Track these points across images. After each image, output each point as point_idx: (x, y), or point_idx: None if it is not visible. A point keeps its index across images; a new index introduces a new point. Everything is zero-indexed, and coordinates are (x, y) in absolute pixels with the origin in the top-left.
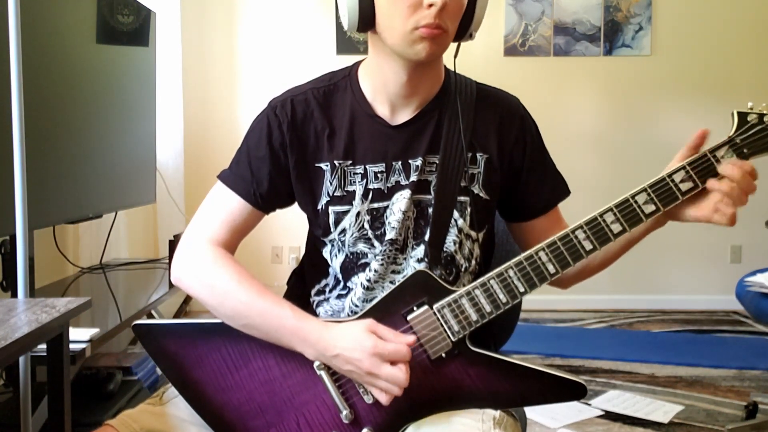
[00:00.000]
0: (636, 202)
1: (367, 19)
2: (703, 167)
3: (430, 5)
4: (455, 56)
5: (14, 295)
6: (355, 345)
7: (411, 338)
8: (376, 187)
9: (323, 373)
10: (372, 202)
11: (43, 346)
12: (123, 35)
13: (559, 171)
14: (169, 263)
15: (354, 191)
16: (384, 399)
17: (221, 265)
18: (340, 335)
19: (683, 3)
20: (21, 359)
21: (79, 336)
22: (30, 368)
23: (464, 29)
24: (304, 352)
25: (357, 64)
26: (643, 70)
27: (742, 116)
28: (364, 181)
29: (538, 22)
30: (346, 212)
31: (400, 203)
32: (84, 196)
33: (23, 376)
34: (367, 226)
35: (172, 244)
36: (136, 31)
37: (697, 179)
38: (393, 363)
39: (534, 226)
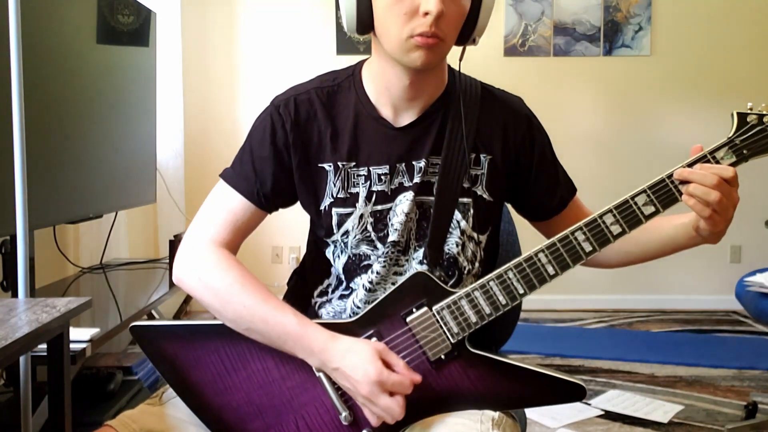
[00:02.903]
0: (635, 203)
1: (364, 23)
2: None
3: (426, 14)
4: (460, 60)
5: (14, 294)
6: (358, 366)
7: (418, 377)
8: (379, 189)
9: (322, 376)
10: (375, 204)
11: (44, 345)
12: (123, 35)
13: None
14: (170, 263)
15: (357, 193)
16: (373, 421)
17: (224, 268)
18: (345, 350)
19: (683, 3)
20: (21, 359)
21: (80, 336)
22: (30, 368)
23: (467, 34)
24: (306, 360)
25: (360, 64)
26: (642, 71)
27: (742, 117)
28: (368, 183)
29: (537, 22)
30: (349, 214)
31: (403, 205)
32: (84, 196)
33: (24, 375)
34: (370, 228)
35: (173, 244)
36: (137, 31)
37: None
38: (392, 394)
39: (557, 222)
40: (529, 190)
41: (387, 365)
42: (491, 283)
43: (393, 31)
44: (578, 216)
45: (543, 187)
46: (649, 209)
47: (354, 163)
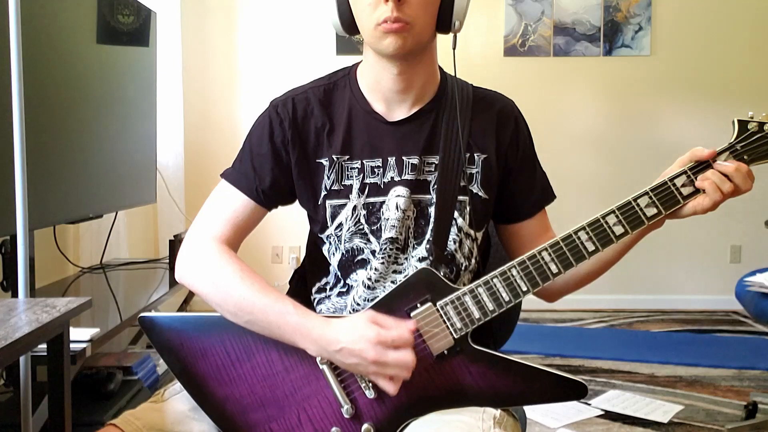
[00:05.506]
0: (638, 204)
1: (347, 22)
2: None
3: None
4: (453, 47)
5: (15, 295)
6: (358, 337)
7: (411, 324)
8: (372, 181)
9: (326, 368)
10: (368, 196)
11: (44, 345)
12: (123, 35)
13: (546, 175)
14: (170, 263)
15: (351, 185)
16: (392, 388)
17: (224, 262)
18: (342, 329)
19: (683, 3)
20: (21, 359)
21: (80, 336)
22: (30, 368)
23: (447, 19)
24: (306, 349)
25: (356, 64)
26: (642, 71)
27: (743, 124)
28: (361, 175)
29: (537, 22)
30: (342, 206)
31: (397, 200)
32: (84, 195)
33: (24, 375)
34: (363, 220)
35: (173, 244)
36: (137, 31)
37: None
38: (397, 348)
39: (522, 230)
40: (508, 190)
41: (381, 327)
42: (495, 279)
43: (364, 23)
44: (543, 229)
45: (519, 187)
46: (651, 210)
47: (348, 156)
